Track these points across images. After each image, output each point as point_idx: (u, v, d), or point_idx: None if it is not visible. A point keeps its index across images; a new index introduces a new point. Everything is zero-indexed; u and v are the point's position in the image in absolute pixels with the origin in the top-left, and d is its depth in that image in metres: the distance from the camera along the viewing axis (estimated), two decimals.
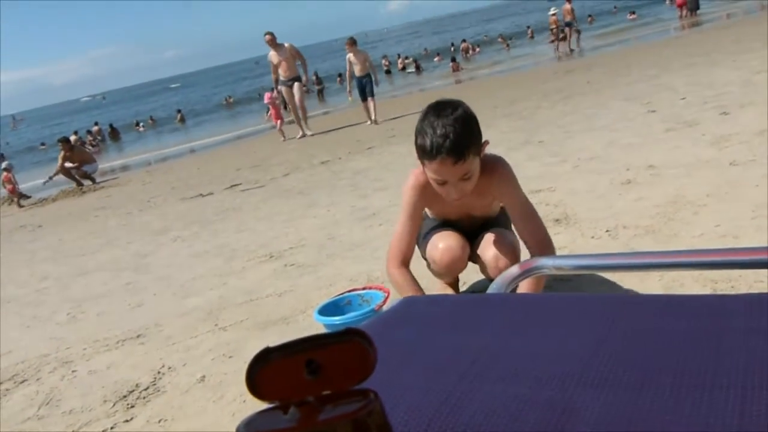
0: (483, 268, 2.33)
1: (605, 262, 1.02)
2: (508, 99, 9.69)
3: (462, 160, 1.95)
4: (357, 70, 11.07)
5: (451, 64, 22.71)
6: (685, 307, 0.76)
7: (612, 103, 6.93)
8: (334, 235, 4.12)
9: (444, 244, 2.26)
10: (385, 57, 31.04)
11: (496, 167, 2.14)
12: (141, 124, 32.53)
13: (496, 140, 6.27)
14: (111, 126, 30.96)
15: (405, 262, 2.23)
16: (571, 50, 18.42)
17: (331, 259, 3.59)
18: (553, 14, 19.75)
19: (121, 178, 12.19)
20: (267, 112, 12.86)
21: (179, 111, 31.20)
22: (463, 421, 0.61)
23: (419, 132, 2.00)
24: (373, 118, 10.96)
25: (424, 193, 2.17)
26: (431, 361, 0.74)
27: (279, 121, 12.13)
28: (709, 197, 3.12)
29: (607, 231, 2.98)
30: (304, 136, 11.26)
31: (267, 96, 12.82)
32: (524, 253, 2.18)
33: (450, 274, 2.34)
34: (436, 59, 29.73)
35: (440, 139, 1.92)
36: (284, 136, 11.58)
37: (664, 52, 11.15)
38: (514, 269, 1.10)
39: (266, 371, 0.36)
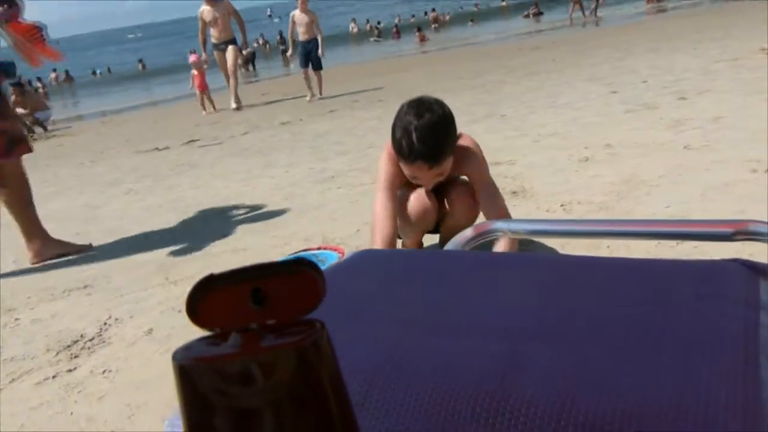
0: (445, 219, 2.36)
1: (559, 228, 1.03)
2: (474, 72, 9.70)
3: (437, 165, 2.06)
4: (301, 33, 9.48)
5: (417, 34, 22.60)
6: (636, 270, 0.77)
7: (576, 82, 6.99)
8: (292, 195, 4.09)
9: (416, 194, 2.30)
10: (353, 21, 30.80)
11: (467, 153, 2.22)
12: (98, 72, 31.57)
13: (458, 111, 6.24)
14: (67, 73, 29.98)
15: (391, 239, 2.20)
16: (597, 17, 18.93)
17: (287, 219, 3.56)
18: None
19: (75, 127, 11.85)
20: (193, 78, 10.81)
21: (140, 61, 30.36)
22: (411, 370, 0.61)
23: (396, 129, 2.07)
24: (314, 93, 9.57)
25: (401, 167, 2.21)
26: (382, 312, 0.74)
27: (203, 91, 10.46)
28: (662, 178, 3.18)
29: (561, 205, 3.02)
30: (238, 108, 9.82)
31: (193, 56, 10.79)
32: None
33: (421, 224, 2.34)
34: (411, 19, 30.21)
35: (417, 146, 2.00)
36: (206, 109, 10.32)
37: (629, 36, 11.27)
38: (469, 231, 1.11)
39: (209, 298, 0.34)
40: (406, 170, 2.12)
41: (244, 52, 10.61)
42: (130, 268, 3.18)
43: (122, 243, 3.68)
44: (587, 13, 20.07)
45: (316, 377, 0.32)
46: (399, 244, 2.56)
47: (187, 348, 0.33)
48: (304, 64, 9.56)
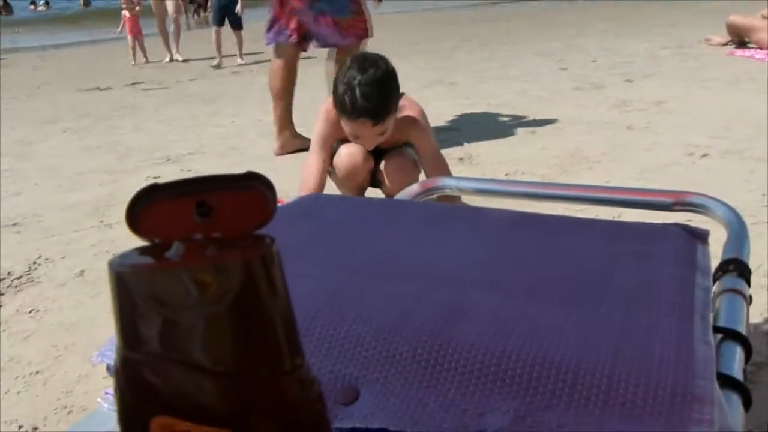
0: (384, 186, 2.36)
1: (506, 188, 1.04)
2: (428, 38, 9.65)
3: (381, 123, 2.03)
4: None
5: None
6: (581, 228, 0.79)
7: (527, 55, 7.03)
8: (237, 146, 4.01)
9: (347, 150, 2.27)
10: None
11: (414, 119, 2.21)
12: (39, 2, 29.86)
13: (410, 76, 6.23)
14: (4, 1, 28.31)
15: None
16: None
17: (231, 169, 3.49)
18: None
19: (10, 59, 11.24)
20: (123, 23, 9.31)
21: None
22: (353, 312, 0.61)
23: (340, 85, 2.03)
24: (220, 61, 7.97)
25: (336, 126, 2.19)
26: (326, 254, 0.73)
27: (135, 37, 8.97)
28: (603, 155, 3.25)
29: (506, 174, 3.06)
30: (172, 60, 8.74)
31: None
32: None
33: (350, 180, 2.32)
34: None
35: (361, 101, 1.97)
36: (135, 59, 8.93)
37: (582, 16, 11.39)
38: (415, 186, 1.11)
39: (151, 208, 0.33)
40: (348, 128, 2.09)
41: None
42: (64, 208, 3.07)
43: (57, 182, 3.54)
44: None
45: (262, 292, 0.31)
46: None
47: (125, 256, 0.31)
48: (219, 21, 8.00)
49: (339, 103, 2.04)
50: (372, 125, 2.03)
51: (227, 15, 7.98)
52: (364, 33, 3.48)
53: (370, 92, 1.97)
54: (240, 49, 8.17)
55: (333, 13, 3.35)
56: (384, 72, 2.03)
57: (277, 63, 3.55)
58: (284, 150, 3.66)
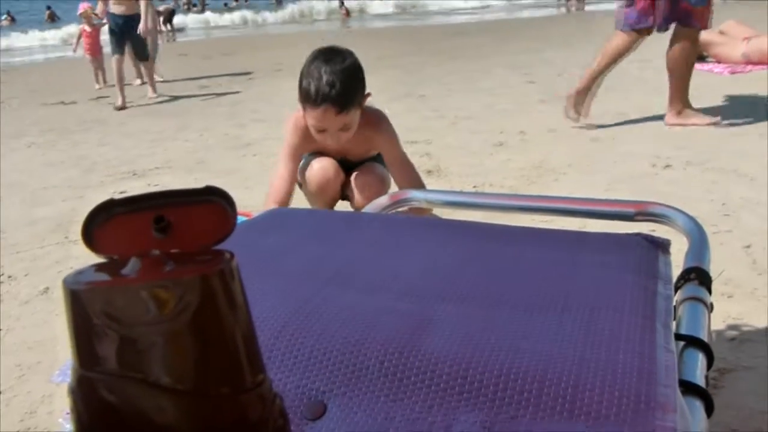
0: (353, 201, 2.35)
1: (473, 200, 1.05)
2: (397, 52, 9.71)
3: (345, 112, 1.98)
4: (112, 3, 6.17)
5: (342, 9, 22.12)
6: (546, 239, 0.80)
7: (495, 69, 7.12)
8: (205, 160, 3.98)
9: (318, 164, 2.25)
10: None
11: (378, 122, 2.18)
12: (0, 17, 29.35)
13: (378, 89, 6.21)
14: None
15: (283, 204, 2.20)
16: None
17: (198, 183, 3.40)
18: None
19: None
20: (79, 37, 8.06)
21: (49, 8, 28.47)
22: (319, 326, 0.60)
23: (305, 75, 2.00)
24: (142, 82, 6.79)
25: (304, 135, 2.16)
26: (292, 268, 0.72)
27: (94, 57, 7.76)
28: (570, 167, 3.30)
29: (474, 186, 3.08)
30: (143, 83, 7.15)
31: (83, 6, 7.65)
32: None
33: (322, 194, 2.31)
34: None
35: (326, 88, 1.93)
36: (99, 81, 7.88)
37: (548, 30, 11.58)
38: (384, 199, 1.11)
39: (108, 224, 0.32)
40: (312, 119, 2.02)
41: (161, 8, 9.24)
42: (28, 225, 3.02)
43: (21, 198, 3.48)
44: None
45: (221, 308, 0.30)
46: None
47: (81, 273, 0.31)
48: (118, 49, 6.27)
49: (303, 93, 1.99)
50: (336, 113, 1.96)
51: (129, 41, 6.34)
52: (706, 24, 3.87)
53: (334, 80, 1.94)
54: (152, 83, 6.73)
55: (691, 1, 3.76)
56: (350, 63, 2.01)
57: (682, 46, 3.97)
58: (680, 121, 4.00)
